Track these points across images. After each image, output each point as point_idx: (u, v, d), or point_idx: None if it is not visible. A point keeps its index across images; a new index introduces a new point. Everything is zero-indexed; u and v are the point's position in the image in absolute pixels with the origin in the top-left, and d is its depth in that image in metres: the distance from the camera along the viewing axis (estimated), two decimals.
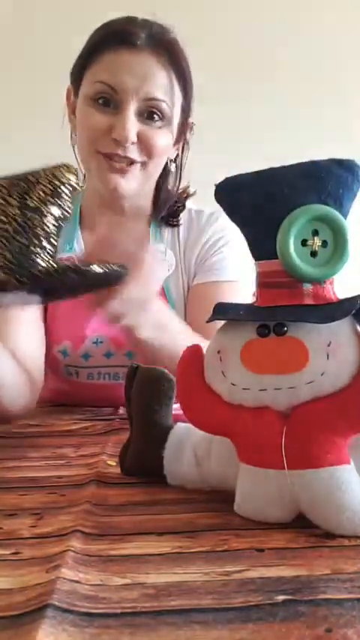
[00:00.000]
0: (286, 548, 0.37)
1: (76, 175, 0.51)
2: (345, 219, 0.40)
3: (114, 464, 0.56)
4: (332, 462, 0.38)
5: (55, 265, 0.50)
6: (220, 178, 0.44)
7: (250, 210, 0.42)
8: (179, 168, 1.05)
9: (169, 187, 1.04)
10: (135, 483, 0.50)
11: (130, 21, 0.92)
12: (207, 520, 0.42)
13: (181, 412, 0.46)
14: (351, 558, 0.35)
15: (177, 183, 1.05)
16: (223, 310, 0.44)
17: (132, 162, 0.91)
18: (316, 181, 0.40)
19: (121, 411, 0.89)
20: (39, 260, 0.49)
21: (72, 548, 0.36)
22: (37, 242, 0.49)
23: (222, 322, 0.45)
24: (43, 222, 0.49)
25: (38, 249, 0.49)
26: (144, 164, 0.93)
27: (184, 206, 1.06)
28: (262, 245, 0.42)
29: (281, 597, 0.30)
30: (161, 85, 0.90)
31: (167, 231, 1.04)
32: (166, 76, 0.90)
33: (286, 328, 0.40)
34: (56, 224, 0.50)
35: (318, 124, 2.00)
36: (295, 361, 0.40)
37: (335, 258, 0.40)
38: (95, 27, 0.94)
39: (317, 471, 0.39)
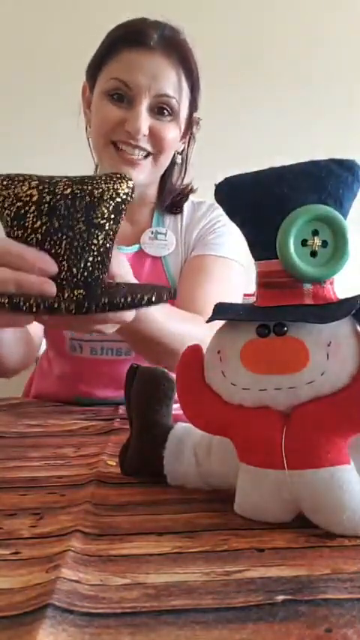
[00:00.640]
0: (286, 548, 0.37)
1: (133, 187, 0.51)
2: (345, 219, 0.40)
3: (114, 464, 0.56)
4: (332, 462, 0.38)
5: (116, 292, 0.49)
6: (220, 178, 0.44)
7: (250, 210, 0.42)
8: (185, 161, 1.12)
9: (175, 179, 1.11)
10: (135, 483, 0.50)
11: (143, 22, 0.99)
12: (207, 520, 0.42)
13: (181, 412, 0.46)
14: (351, 558, 0.35)
15: (182, 175, 1.13)
16: (223, 310, 0.44)
17: (143, 153, 0.98)
18: (316, 181, 0.40)
19: (121, 411, 0.89)
20: (102, 276, 0.49)
21: (72, 548, 0.36)
22: (99, 259, 0.49)
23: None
24: (106, 240, 0.49)
25: (101, 268, 0.49)
26: (154, 156, 1.00)
27: (186, 197, 1.12)
28: (262, 245, 0.42)
29: (281, 597, 0.30)
30: (171, 82, 0.97)
31: (169, 218, 1.12)
32: (176, 74, 0.98)
33: (286, 328, 0.40)
34: (113, 239, 0.50)
35: (318, 123, 2.00)
36: (295, 361, 0.40)
37: (335, 258, 0.40)
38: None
39: (317, 471, 0.39)
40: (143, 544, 0.38)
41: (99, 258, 0.49)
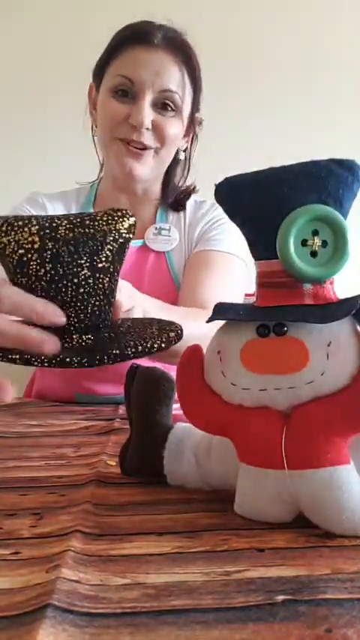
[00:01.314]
0: (286, 548, 0.37)
1: (134, 222, 0.50)
2: (345, 219, 0.40)
3: (114, 464, 0.56)
4: (332, 462, 0.38)
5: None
6: (221, 178, 0.44)
7: (250, 210, 0.42)
8: (188, 160, 1.15)
9: (178, 176, 1.15)
10: (135, 483, 0.50)
11: (147, 23, 1.02)
12: (207, 520, 0.42)
13: (181, 412, 0.46)
14: (351, 558, 0.35)
15: (185, 174, 1.16)
16: (223, 310, 0.44)
17: (146, 147, 1.01)
18: (316, 181, 0.40)
19: (121, 411, 0.89)
20: (108, 317, 0.49)
21: (72, 548, 0.36)
22: (106, 302, 0.48)
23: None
24: (111, 281, 0.48)
25: (107, 308, 0.49)
26: (157, 150, 1.03)
27: (189, 196, 1.15)
28: (262, 245, 0.42)
29: (281, 597, 0.30)
30: (174, 78, 1.00)
31: (173, 215, 1.14)
32: (179, 71, 1.01)
33: (286, 328, 0.40)
34: (117, 278, 0.49)
35: (319, 123, 2.00)
36: (295, 361, 0.40)
37: (335, 258, 0.40)
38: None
39: (317, 471, 0.39)
40: (143, 544, 0.38)
41: (105, 301, 0.48)
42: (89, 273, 0.47)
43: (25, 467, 0.57)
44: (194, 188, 1.16)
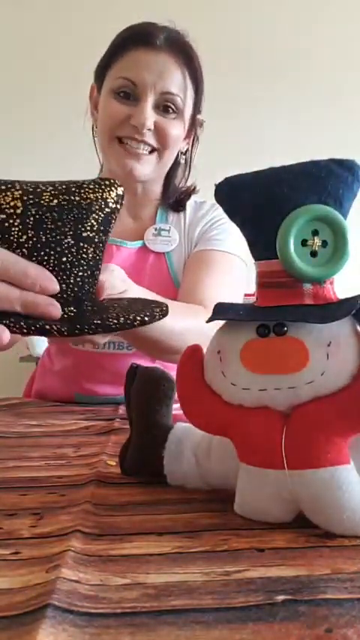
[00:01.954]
0: (286, 548, 0.37)
1: (122, 193, 0.47)
2: (345, 219, 0.40)
3: (114, 464, 0.56)
4: (332, 462, 0.38)
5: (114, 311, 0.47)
6: (220, 178, 0.44)
7: (250, 210, 0.42)
8: (188, 161, 1.15)
9: (178, 178, 1.15)
10: (135, 483, 0.50)
11: (150, 24, 1.03)
12: (207, 520, 0.42)
13: (181, 412, 0.46)
14: (351, 558, 0.35)
15: (186, 175, 1.16)
16: (222, 310, 0.44)
17: (148, 148, 1.01)
18: (316, 181, 0.40)
19: (121, 411, 0.89)
20: (92, 289, 0.47)
21: (72, 548, 0.36)
22: (89, 273, 0.46)
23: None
24: (95, 252, 0.46)
25: (91, 281, 0.47)
26: (158, 152, 1.03)
27: (189, 196, 1.15)
28: (262, 245, 0.42)
29: (281, 597, 0.30)
30: (176, 81, 1.00)
31: (173, 215, 1.14)
32: (181, 73, 1.01)
33: (286, 328, 0.40)
34: (103, 251, 0.47)
35: (319, 123, 2.00)
36: (295, 361, 0.40)
37: (335, 258, 0.40)
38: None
39: (317, 471, 0.39)
40: (143, 544, 0.38)
41: (89, 272, 0.46)
42: (73, 242, 0.45)
43: (25, 467, 0.57)
44: (194, 188, 1.16)
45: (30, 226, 0.44)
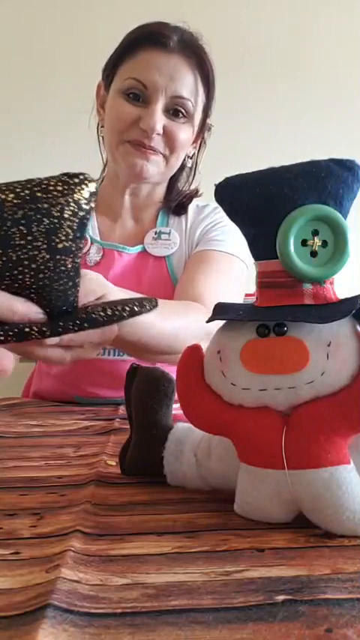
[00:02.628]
0: (286, 548, 0.37)
1: (96, 189, 0.41)
2: (345, 219, 0.40)
3: (114, 464, 0.56)
4: (332, 462, 0.38)
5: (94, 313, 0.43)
6: (221, 178, 0.44)
7: (250, 210, 0.42)
8: (194, 166, 1.13)
9: (182, 181, 1.13)
10: (135, 483, 0.50)
11: (163, 25, 1.00)
12: (207, 520, 0.42)
13: (181, 412, 0.46)
14: (351, 558, 0.35)
15: (190, 180, 1.14)
16: (223, 310, 0.44)
17: (155, 150, 0.99)
18: (316, 181, 0.40)
19: (121, 411, 0.89)
20: (75, 298, 0.43)
21: (72, 548, 0.36)
22: (71, 284, 0.42)
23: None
24: (74, 260, 0.42)
25: (74, 291, 0.43)
26: (165, 157, 1.01)
27: (191, 199, 1.14)
28: (262, 245, 0.42)
29: (281, 597, 0.30)
30: (187, 84, 0.98)
31: (174, 218, 1.12)
32: (193, 77, 0.98)
33: (286, 328, 0.40)
34: (81, 255, 0.43)
35: (319, 123, 2.00)
36: (295, 361, 0.40)
37: (335, 258, 0.40)
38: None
39: (317, 471, 0.39)
40: (143, 544, 0.38)
41: (70, 283, 0.42)
42: (48, 256, 0.40)
43: (25, 467, 0.57)
44: (197, 191, 1.15)
45: None
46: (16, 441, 0.70)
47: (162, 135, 0.98)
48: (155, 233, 1.09)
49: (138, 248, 1.08)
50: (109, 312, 0.43)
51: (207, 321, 0.44)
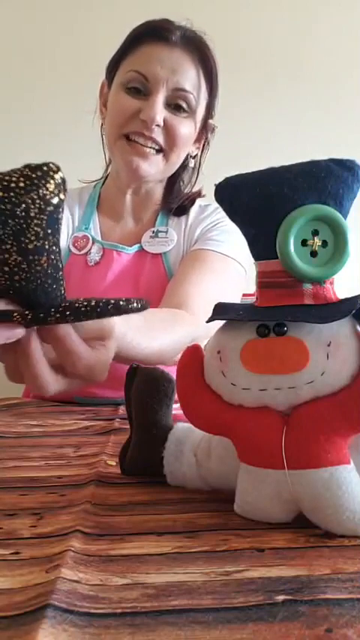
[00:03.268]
0: (286, 548, 0.37)
1: (63, 180, 0.38)
2: (345, 219, 0.40)
3: (114, 464, 0.56)
4: (332, 462, 0.38)
5: (79, 304, 0.42)
6: (221, 178, 0.44)
7: (250, 210, 0.42)
8: (197, 167, 1.12)
9: (184, 183, 1.12)
10: (135, 483, 0.50)
11: (166, 21, 0.99)
12: (207, 520, 0.42)
13: (181, 412, 0.46)
14: (351, 558, 0.35)
15: (193, 181, 1.13)
16: (222, 310, 0.44)
17: (155, 146, 0.97)
18: (316, 181, 0.40)
19: (121, 411, 0.89)
20: (60, 294, 0.42)
21: (72, 548, 0.36)
22: (50, 282, 0.40)
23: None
24: (49, 258, 0.39)
25: (55, 287, 0.41)
26: (165, 153, 1.00)
27: (193, 202, 1.13)
28: (262, 245, 0.42)
29: (281, 597, 0.30)
30: (190, 78, 0.97)
31: (173, 219, 1.11)
32: (195, 71, 0.98)
33: (286, 328, 0.40)
34: (59, 250, 0.41)
35: (319, 123, 2.00)
36: (295, 361, 0.40)
37: (335, 258, 0.40)
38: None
39: (317, 471, 0.39)
40: (143, 544, 0.38)
41: (49, 282, 0.40)
42: (20, 259, 0.38)
43: (25, 467, 0.57)
44: (200, 192, 1.13)
45: None
46: (16, 441, 0.70)
47: (162, 128, 0.97)
48: (153, 232, 1.09)
49: (135, 247, 1.08)
50: (92, 303, 0.41)
51: (207, 321, 0.44)
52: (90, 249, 1.07)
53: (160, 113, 0.95)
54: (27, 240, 0.37)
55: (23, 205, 0.36)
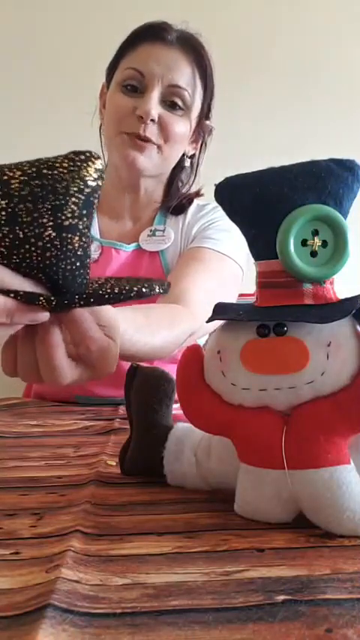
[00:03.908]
0: (286, 548, 0.37)
1: (102, 168, 0.41)
2: (345, 219, 0.40)
3: (114, 464, 0.56)
4: (332, 462, 0.38)
5: (101, 289, 0.42)
6: (220, 178, 0.44)
7: (250, 210, 0.42)
8: (195, 167, 1.14)
9: (182, 183, 1.13)
10: (135, 483, 0.50)
11: (164, 22, 1.02)
12: (207, 520, 0.42)
13: (181, 412, 0.46)
14: (351, 558, 0.35)
15: (190, 182, 1.14)
16: (222, 310, 0.44)
17: (149, 140, 0.99)
18: (316, 181, 0.40)
19: (121, 411, 0.89)
20: (85, 281, 0.43)
21: (72, 548, 0.36)
22: (79, 264, 0.42)
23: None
24: (81, 240, 0.41)
25: (82, 272, 0.42)
26: (160, 147, 1.01)
27: (191, 201, 1.14)
28: (262, 245, 0.42)
29: (281, 597, 0.30)
30: (185, 75, 0.99)
31: (172, 218, 1.12)
32: (190, 70, 1.00)
33: (286, 328, 0.40)
34: (89, 235, 0.42)
35: (319, 123, 2.00)
36: (295, 361, 0.40)
37: (335, 258, 0.40)
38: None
39: (317, 471, 0.39)
40: (143, 544, 0.38)
41: (78, 264, 0.42)
42: (55, 234, 0.40)
43: (25, 467, 0.57)
44: (198, 192, 1.14)
45: (3, 222, 0.39)
46: (16, 441, 0.70)
47: (157, 124, 0.99)
48: (150, 231, 1.10)
49: (133, 245, 1.09)
50: (116, 290, 0.42)
51: (207, 321, 0.44)
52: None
53: (156, 108, 0.97)
54: (63, 217, 0.40)
55: (64, 183, 0.39)
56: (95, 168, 0.40)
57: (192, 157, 1.12)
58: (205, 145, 1.13)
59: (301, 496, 0.39)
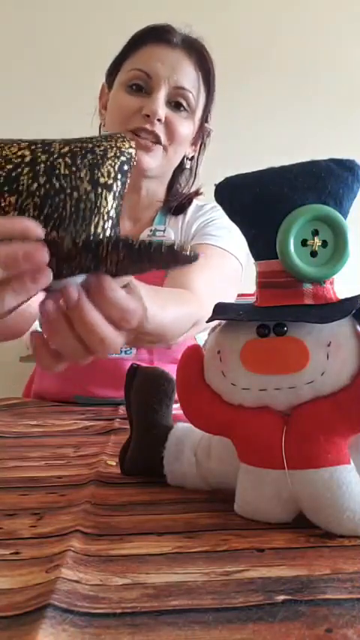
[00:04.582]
0: (286, 548, 0.37)
1: (135, 149, 0.44)
2: (345, 219, 0.40)
3: (114, 464, 0.56)
4: (332, 462, 0.38)
5: (133, 244, 0.42)
6: (220, 178, 0.44)
7: (250, 210, 0.42)
8: (194, 169, 1.14)
9: (182, 183, 1.14)
10: (135, 483, 0.50)
11: (168, 25, 1.03)
12: (207, 520, 0.42)
13: (181, 412, 0.46)
14: (351, 558, 0.35)
15: (190, 183, 1.15)
16: (222, 310, 0.44)
17: (157, 141, 1.00)
18: (316, 181, 0.40)
19: (121, 411, 0.89)
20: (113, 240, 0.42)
21: (72, 548, 0.36)
22: (111, 224, 0.42)
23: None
24: (114, 202, 0.42)
25: (112, 233, 0.42)
26: (165, 148, 1.02)
27: (191, 201, 1.14)
28: (262, 245, 0.42)
29: (281, 597, 0.30)
30: (190, 77, 1.00)
31: (171, 218, 1.12)
32: (195, 72, 1.01)
33: (286, 328, 0.40)
34: (121, 205, 0.43)
35: (319, 123, 2.00)
36: (295, 361, 0.40)
37: (335, 258, 0.40)
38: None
39: (317, 471, 0.39)
40: (143, 544, 0.38)
41: (110, 223, 0.42)
42: (90, 188, 0.41)
43: (25, 467, 0.57)
44: (198, 191, 1.15)
45: (41, 173, 0.41)
46: (16, 441, 0.70)
47: (163, 124, 0.99)
48: (150, 231, 1.10)
49: None
50: (146, 241, 0.41)
51: (207, 321, 0.44)
52: None
53: (162, 108, 0.98)
54: (99, 174, 0.42)
55: (102, 147, 0.43)
56: (129, 145, 0.44)
57: (191, 159, 1.13)
58: (204, 147, 1.13)
59: (301, 496, 0.39)
